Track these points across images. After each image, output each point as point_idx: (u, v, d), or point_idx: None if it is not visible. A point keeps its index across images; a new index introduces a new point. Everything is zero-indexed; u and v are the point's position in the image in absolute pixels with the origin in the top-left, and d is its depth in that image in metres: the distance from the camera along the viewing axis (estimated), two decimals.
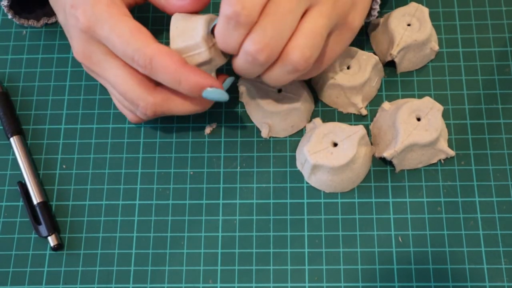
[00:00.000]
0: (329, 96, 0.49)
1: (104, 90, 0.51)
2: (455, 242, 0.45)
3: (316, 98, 0.50)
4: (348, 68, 0.48)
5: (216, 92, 0.41)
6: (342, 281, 0.45)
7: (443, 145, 0.46)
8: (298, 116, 0.48)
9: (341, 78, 0.48)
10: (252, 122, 0.50)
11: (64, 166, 0.49)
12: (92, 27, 0.41)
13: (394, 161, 0.46)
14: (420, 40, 0.48)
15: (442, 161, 0.48)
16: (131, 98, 0.42)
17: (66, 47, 0.53)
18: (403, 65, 0.50)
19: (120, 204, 0.48)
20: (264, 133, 0.48)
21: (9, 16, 0.50)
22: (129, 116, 0.45)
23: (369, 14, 0.47)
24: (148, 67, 0.40)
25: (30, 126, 0.50)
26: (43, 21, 0.53)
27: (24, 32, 0.54)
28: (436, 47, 0.50)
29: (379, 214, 0.46)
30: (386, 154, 0.45)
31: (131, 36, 0.40)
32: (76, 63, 0.52)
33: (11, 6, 0.50)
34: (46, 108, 0.51)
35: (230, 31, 0.39)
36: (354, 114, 0.49)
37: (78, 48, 0.43)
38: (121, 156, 0.49)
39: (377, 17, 0.50)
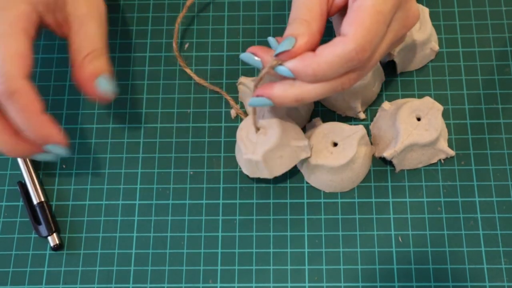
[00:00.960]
0: (328, 99, 0.49)
1: None
2: (455, 242, 0.45)
3: None
4: None
5: (56, 148, 0.41)
6: (342, 281, 0.45)
7: (443, 145, 0.46)
8: (298, 116, 0.48)
9: None
10: None
11: (64, 166, 0.49)
12: None
13: (394, 161, 0.46)
14: (420, 40, 0.48)
15: (442, 161, 0.47)
16: None
17: (66, 48, 0.53)
18: (403, 65, 0.50)
19: (120, 204, 0.48)
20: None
21: None
22: None
23: None
24: (6, 95, 0.38)
25: None
26: None
27: None
28: (436, 47, 0.50)
29: (379, 214, 0.46)
30: (386, 154, 0.45)
31: (8, 57, 0.38)
32: None
33: None
34: (46, 108, 0.51)
35: (337, 66, 0.38)
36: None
37: None
38: (121, 156, 0.49)
39: None
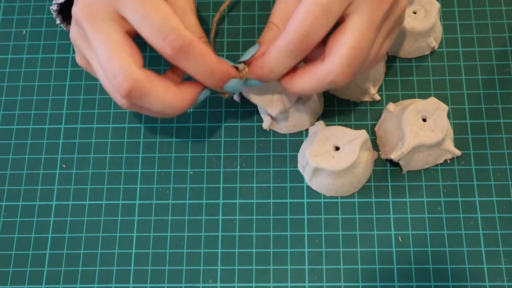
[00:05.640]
0: (341, 88, 0.48)
1: (104, 90, 0.51)
2: (455, 242, 0.45)
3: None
4: None
5: (237, 83, 0.41)
6: (342, 281, 0.44)
7: (449, 145, 0.46)
8: (302, 116, 0.47)
9: None
10: (252, 122, 0.49)
11: (64, 166, 0.49)
12: None
13: (401, 163, 0.45)
14: (417, 30, 0.47)
15: (449, 161, 0.47)
16: (113, 66, 0.38)
17: (66, 47, 0.53)
18: (393, 49, 0.50)
19: (120, 204, 0.47)
20: (265, 125, 0.48)
21: (57, 22, 0.46)
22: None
23: None
24: (185, 49, 0.38)
25: (30, 126, 0.50)
26: None
27: (24, 32, 0.53)
28: (433, 44, 0.49)
29: (379, 214, 0.46)
30: (393, 156, 0.44)
31: (171, 14, 0.38)
32: (76, 63, 0.51)
33: (60, 11, 0.46)
34: (46, 108, 0.50)
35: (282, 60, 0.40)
36: (357, 114, 0.49)
37: (84, 3, 0.39)
38: (121, 156, 0.49)
39: None
